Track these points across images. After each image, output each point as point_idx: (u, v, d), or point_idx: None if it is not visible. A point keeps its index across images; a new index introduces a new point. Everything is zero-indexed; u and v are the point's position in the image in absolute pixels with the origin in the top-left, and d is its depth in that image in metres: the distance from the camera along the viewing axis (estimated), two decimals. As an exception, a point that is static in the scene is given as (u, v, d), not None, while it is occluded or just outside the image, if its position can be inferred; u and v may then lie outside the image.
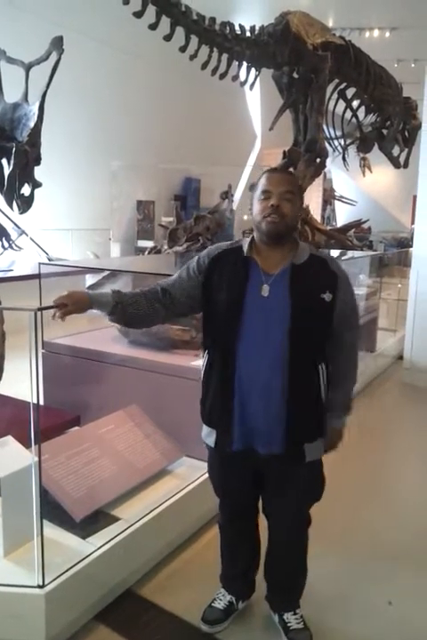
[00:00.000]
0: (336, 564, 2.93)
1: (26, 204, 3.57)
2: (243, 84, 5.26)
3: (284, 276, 2.01)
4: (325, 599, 2.64)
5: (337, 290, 2.03)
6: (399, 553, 3.08)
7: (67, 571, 2.29)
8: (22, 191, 3.79)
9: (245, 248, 2.07)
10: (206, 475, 3.13)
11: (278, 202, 1.97)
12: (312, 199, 12.47)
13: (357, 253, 6.90)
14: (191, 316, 3.79)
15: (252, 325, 1.99)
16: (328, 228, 8.59)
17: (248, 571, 2.49)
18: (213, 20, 4.72)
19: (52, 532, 2.51)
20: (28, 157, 3.32)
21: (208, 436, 2.21)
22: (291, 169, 5.56)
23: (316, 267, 2.06)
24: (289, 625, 2.37)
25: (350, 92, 6.67)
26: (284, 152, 5.77)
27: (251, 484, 2.24)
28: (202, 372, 2.19)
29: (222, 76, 4.94)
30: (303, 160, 5.64)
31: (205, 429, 2.23)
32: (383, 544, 3.16)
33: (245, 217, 13.32)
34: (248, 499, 2.32)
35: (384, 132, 7.53)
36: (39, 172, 3.87)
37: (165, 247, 6.33)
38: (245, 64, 5.12)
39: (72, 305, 2.08)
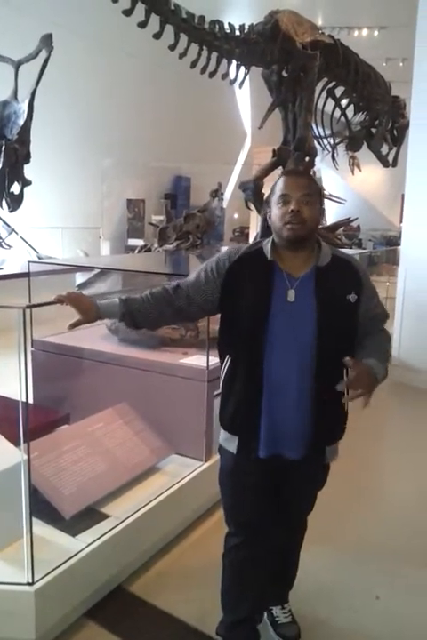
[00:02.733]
0: (325, 559, 2.95)
1: (15, 202, 3.58)
2: (232, 82, 5.27)
3: (309, 279, 1.96)
4: (313, 594, 2.67)
5: (362, 292, 2.00)
6: (387, 549, 3.11)
7: (56, 568, 2.30)
8: (12, 189, 3.79)
9: (268, 251, 1.99)
10: (196, 472, 3.18)
11: (298, 206, 1.91)
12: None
13: (345, 251, 6.92)
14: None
15: (279, 331, 1.94)
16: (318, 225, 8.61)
17: (256, 613, 2.27)
18: (202, 18, 4.72)
19: (42, 529, 2.52)
20: (18, 155, 3.33)
21: (228, 442, 2.10)
22: (280, 168, 5.59)
23: (339, 268, 2.01)
24: (277, 619, 2.39)
25: (338, 91, 6.70)
26: (273, 151, 5.79)
27: (270, 495, 2.12)
28: (221, 378, 2.12)
29: (212, 75, 4.95)
30: (292, 159, 5.66)
31: (225, 435, 2.12)
32: (371, 540, 3.20)
33: (236, 215, 13.39)
34: (266, 514, 2.13)
35: (373, 130, 7.56)
36: (29, 171, 3.87)
37: (156, 245, 6.34)
38: (234, 62, 5.13)
39: (82, 315, 2.05)
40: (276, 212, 1.97)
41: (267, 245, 2.02)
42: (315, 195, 1.97)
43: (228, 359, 2.08)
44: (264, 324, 1.94)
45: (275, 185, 2.01)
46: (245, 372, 2.00)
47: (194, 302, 2.10)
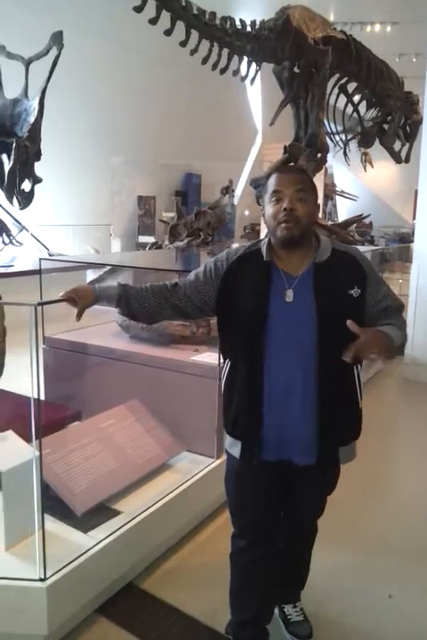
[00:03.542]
0: (337, 557, 2.94)
1: (26, 199, 3.58)
2: (243, 78, 5.24)
3: (307, 277, 1.91)
4: (325, 592, 2.66)
5: (366, 285, 1.94)
6: (400, 547, 3.09)
7: (68, 564, 2.30)
8: (23, 187, 3.79)
9: (265, 252, 1.96)
10: (207, 469, 3.18)
11: (291, 204, 1.86)
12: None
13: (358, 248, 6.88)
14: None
15: (278, 333, 1.89)
16: (329, 223, 8.58)
17: (263, 613, 2.23)
18: (213, 14, 4.70)
19: (54, 525, 2.52)
20: (29, 153, 3.32)
21: (232, 446, 2.07)
22: (291, 164, 5.56)
23: (340, 263, 1.95)
24: (289, 617, 2.38)
25: (351, 87, 6.65)
26: (285, 147, 5.75)
27: (277, 498, 2.10)
28: (223, 381, 2.09)
29: (223, 71, 4.93)
30: (304, 155, 5.63)
31: (229, 440, 2.09)
32: (384, 538, 3.18)
33: (246, 212, 13.36)
34: (271, 517, 2.14)
35: (385, 126, 7.50)
36: (39, 168, 3.86)
37: (166, 242, 6.34)
38: (245, 59, 5.10)
39: (79, 301, 2.04)
40: (269, 210, 1.93)
41: (264, 245, 1.98)
42: (309, 190, 1.92)
43: (228, 362, 2.06)
44: (263, 327, 1.89)
45: (267, 182, 1.97)
46: (245, 376, 1.96)
47: (191, 301, 2.08)
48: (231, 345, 2.04)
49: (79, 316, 2.08)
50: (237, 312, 1.95)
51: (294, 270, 1.94)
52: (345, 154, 7.63)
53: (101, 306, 2.19)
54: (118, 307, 2.12)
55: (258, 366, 1.92)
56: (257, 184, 5.65)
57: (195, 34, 4.58)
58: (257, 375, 1.93)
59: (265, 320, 1.89)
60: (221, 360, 2.14)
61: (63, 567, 2.28)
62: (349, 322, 1.78)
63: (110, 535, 2.52)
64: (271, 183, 1.94)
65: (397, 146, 8.04)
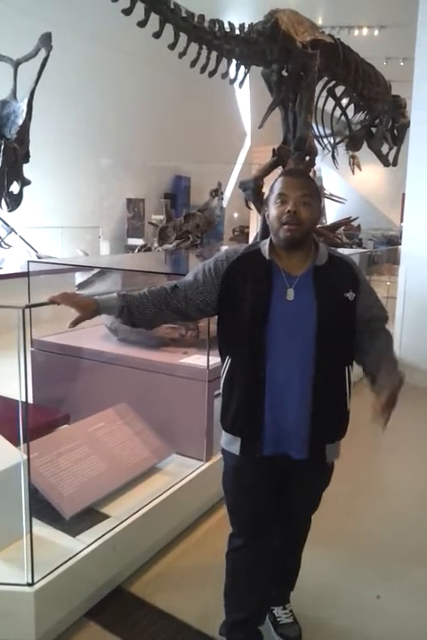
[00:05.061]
0: (326, 558, 2.95)
1: (15, 201, 3.57)
2: (232, 81, 5.25)
3: (307, 278, 1.97)
4: (314, 594, 2.66)
5: (359, 290, 2.02)
6: (388, 548, 3.11)
7: (56, 568, 2.29)
8: (11, 189, 3.78)
9: (266, 252, 2.00)
10: (196, 472, 3.17)
11: (295, 207, 1.91)
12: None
13: (346, 251, 6.92)
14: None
15: (278, 330, 1.94)
16: (318, 225, 8.61)
17: (258, 613, 2.25)
18: (202, 17, 4.71)
19: (42, 529, 2.51)
20: (17, 155, 3.32)
21: (231, 443, 2.09)
22: (280, 167, 5.58)
23: (337, 267, 2.03)
24: (279, 619, 2.38)
25: (339, 90, 6.68)
26: (273, 150, 5.77)
27: (273, 494, 2.12)
28: (222, 379, 2.11)
29: (212, 74, 4.93)
30: (293, 158, 5.64)
31: (227, 437, 2.10)
32: (372, 539, 3.19)
33: (235, 215, 13.38)
34: (269, 513, 2.14)
35: (373, 130, 7.55)
36: (28, 170, 3.86)
37: (155, 245, 6.34)
38: (234, 62, 5.11)
39: (81, 312, 2.03)
40: (273, 211, 1.97)
41: (265, 246, 2.03)
42: (314, 195, 1.98)
43: (228, 360, 2.07)
44: (264, 324, 1.93)
45: (274, 184, 2.01)
46: (246, 373, 2.00)
47: (191, 303, 2.08)
48: (232, 343, 2.06)
49: (75, 324, 2.07)
50: (239, 310, 1.98)
51: (294, 270, 1.99)
52: (333, 157, 7.66)
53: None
54: (120, 317, 2.11)
55: (259, 362, 1.95)
56: (246, 187, 5.66)
57: (183, 37, 4.58)
58: (259, 372, 1.96)
59: (267, 317, 1.93)
60: (219, 358, 2.15)
61: (51, 571, 2.27)
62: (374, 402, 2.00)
63: (99, 539, 2.51)
64: (277, 186, 1.98)
65: (385, 149, 8.09)
